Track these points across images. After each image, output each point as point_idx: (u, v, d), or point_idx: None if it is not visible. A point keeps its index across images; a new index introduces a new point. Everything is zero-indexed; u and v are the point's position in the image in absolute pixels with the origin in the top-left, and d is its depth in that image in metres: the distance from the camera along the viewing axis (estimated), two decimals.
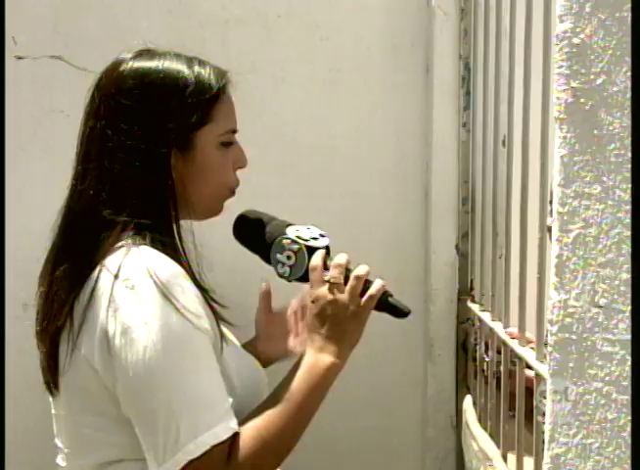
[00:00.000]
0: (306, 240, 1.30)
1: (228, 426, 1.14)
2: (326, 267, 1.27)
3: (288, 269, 1.29)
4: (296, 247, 1.29)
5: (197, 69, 1.25)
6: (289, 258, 1.29)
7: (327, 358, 1.23)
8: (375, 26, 1.95)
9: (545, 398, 0.98)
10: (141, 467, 1.17)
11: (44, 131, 1.86)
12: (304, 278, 1.29)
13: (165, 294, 1.12)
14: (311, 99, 1.95)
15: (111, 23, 1.86)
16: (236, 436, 1.15)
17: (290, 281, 1.31)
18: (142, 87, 1.22)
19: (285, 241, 1.29)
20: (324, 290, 1.25)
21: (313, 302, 1.26)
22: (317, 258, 1.27)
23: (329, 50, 1.95)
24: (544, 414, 0.99)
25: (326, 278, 1.26)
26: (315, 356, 1.23)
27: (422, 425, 2.01)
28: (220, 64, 1.32)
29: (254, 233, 1.34)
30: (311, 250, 1.29)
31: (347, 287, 1.25)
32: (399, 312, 1.29)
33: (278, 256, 1.29)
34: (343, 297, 1.25)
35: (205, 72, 1.26)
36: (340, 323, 1.24)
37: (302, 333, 1.46)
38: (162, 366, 1.11)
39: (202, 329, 1.15)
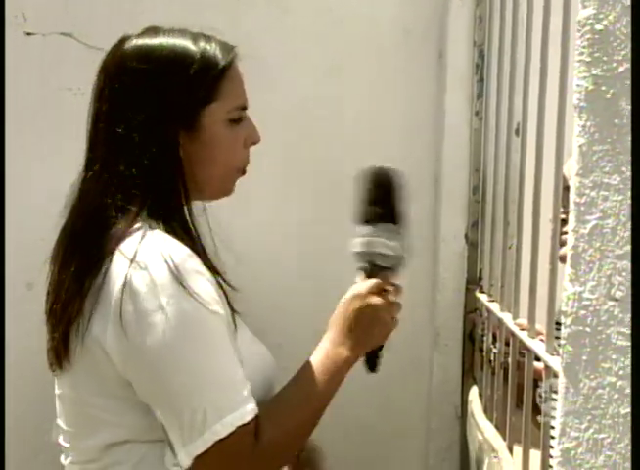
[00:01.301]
0: None
1: (252, 408, 1.14)
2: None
3: (391, 253, 1.26)
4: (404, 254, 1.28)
5: (202, 44, 1.23)
6: (402, 248, 1.27)
7: (350, 354, 1.24)
8: (388, 11, 1.93)
9: (554, 391, 0.97)
10: (147, 448, 1.17)
11: (52, 109, 1.84)
12: (372, 269, 1.28)
13: (180, 279, 1.11)
14: (321, 83, 1.93)
15: (121, 1, 1.84)
16: (257, 418, 1.14)
17: (365, 260, 1.28)
18: (146, 65, 1.20)
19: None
20: (375, 295, 1.26)
21: (359, 299, 1.26)
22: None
23: (341, 34, 1.92)
24: (553, 408, 0.97)
25: (390, 290, 1.28)
26: (343, 351, 1.24)
27: (426, 415, 2.00)
28: None
29: (394, 200, 1.32)
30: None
31: (389, 302, 1.27)
32: (375, 363, 1.33)
33: (397, 236, 1.27)
34: (387, 308, 1.27)
35: (211, 48, 1.23)
36: (372, 328, 1.26)
37: None
38: (184, 349, 1.11)
39: (217, 313, 1.15)
